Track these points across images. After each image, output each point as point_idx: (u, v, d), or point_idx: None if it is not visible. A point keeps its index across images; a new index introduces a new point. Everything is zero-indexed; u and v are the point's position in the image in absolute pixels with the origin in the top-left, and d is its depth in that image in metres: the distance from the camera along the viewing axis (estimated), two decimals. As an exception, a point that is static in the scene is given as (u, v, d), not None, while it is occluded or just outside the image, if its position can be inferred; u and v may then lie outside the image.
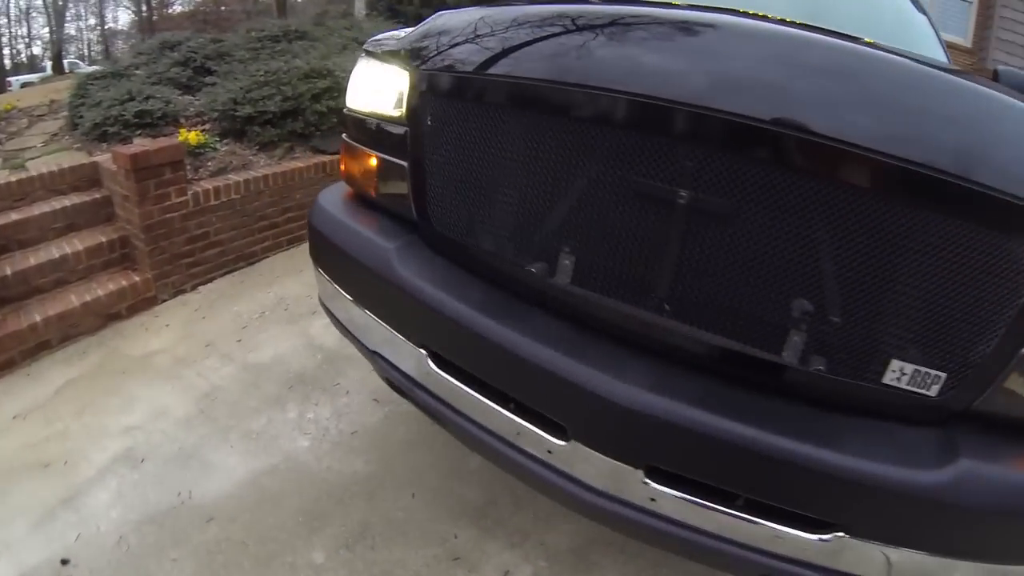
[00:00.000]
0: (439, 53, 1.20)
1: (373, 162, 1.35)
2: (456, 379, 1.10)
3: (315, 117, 3.27)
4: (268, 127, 3.11)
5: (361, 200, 1.44)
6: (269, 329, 2.45)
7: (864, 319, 0.86)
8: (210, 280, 2.82)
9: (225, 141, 3.14)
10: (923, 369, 0.85)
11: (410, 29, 1.40)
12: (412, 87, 1.23)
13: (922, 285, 0.82)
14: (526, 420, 1.01)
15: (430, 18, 1.34)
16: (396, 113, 1.28)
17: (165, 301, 2.65)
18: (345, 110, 1.46)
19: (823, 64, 0.87)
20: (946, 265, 0.80)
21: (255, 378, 2.13)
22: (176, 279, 2.68)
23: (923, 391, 0.86)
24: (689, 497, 0.91)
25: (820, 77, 0.85)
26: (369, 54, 1.41)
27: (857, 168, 0.81)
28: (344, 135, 1.48)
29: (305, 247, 3.21)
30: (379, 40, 1.45)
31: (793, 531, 0.87)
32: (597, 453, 0.94)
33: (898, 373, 0.86)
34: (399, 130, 1.27)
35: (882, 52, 0.90)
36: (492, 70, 1.09)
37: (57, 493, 1.61)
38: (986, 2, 5.21)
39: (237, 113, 3.09)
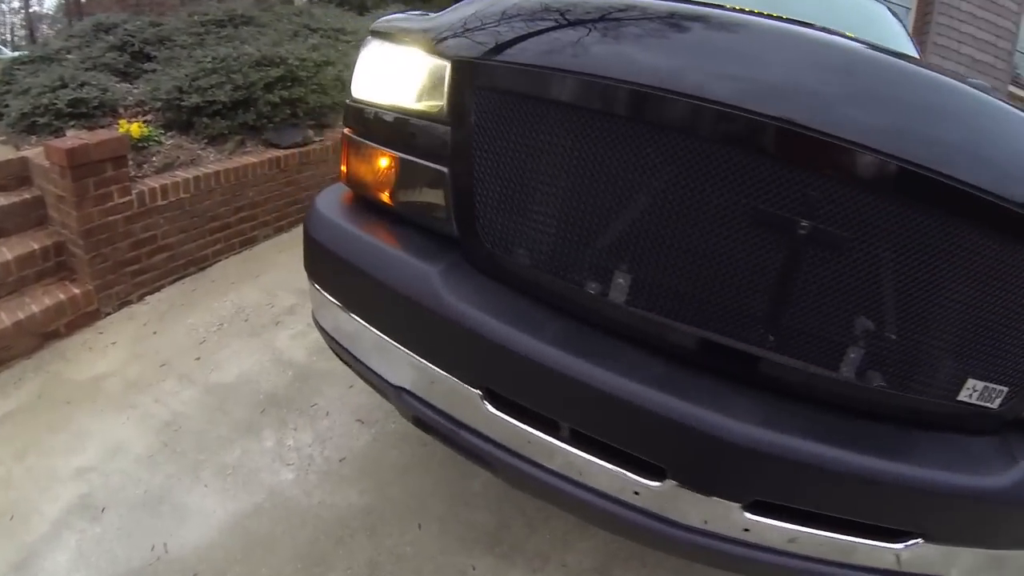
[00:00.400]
0: (507, 42, 1.03)
1: (393, 165, 1.19)
2: (521, 421, 0.98)
3: (268, 108, 3.02)
4: (217, 119, 2.84)
5: (372, 208, 1.28)
6: (230, 343, 2.24)
7: (955, 345, 0.90)
8: (158, 289, 2.57)
9: (170, 134, 2.86)
10: (992, 385, 0.91)
11: (434, 14, 1.24)
12: (456, 79, 1.07)
13: (999, 310, 0.87)
14: (610, 462, 0.94)
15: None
16: (429, 108, 1.13)
17: (109, 315, 2.38)
18: (350, 100, 1.29)
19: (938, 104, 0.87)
20: (1013, 289, 0.86)
21: (221, 402, 1.94)
22: (120, 289, 2.41)
23: (988, 404, 0.92)
24: (788, 525, 0.90)
25: (938, 119, 0.85)
26: (384, 37, 1.23)
27: (965, 205, 0.82)
28: (347, 130, 1.30)
29: (260, 248, 3.04)
30: (398, 22, 1.27)
31: (879, 543, 0.90)
32: (697, 493, 0.90)
33: (971, 390, 0.91)
34: (435, 129, 1.11)
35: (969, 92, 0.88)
36: (582, 68, 0.93)
37: (5, 556, 1.40)
38: (923, 8, 5.47)
39: (183, 103, 2.81)
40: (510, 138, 1.02)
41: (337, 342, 1.27)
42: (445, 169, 1.11)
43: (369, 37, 1.28)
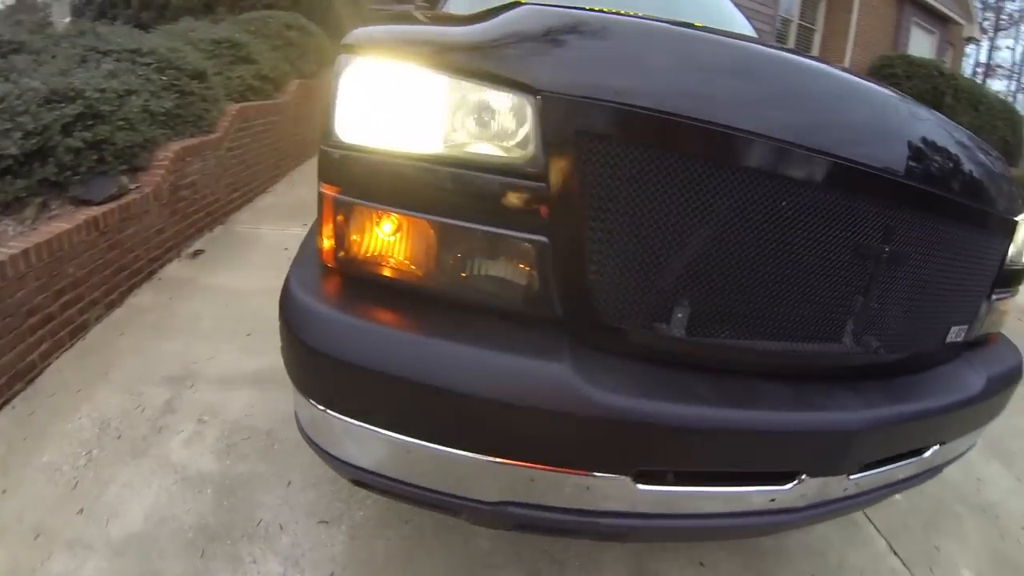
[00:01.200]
0: (617, 76, 0.88)
1: (439, 236, 0.93)
2: (668, 486, 0.97)
3: (70, 157, 2.37)
4: (9, 178, 2.13)
5: (378, 294, 0.99)
6: (113, 476, 1.73)
7: (951, 308, 1.24)
8: (-28, 425, 1.87)
9: (-66, 210, 2.07)
10: (961, 326, 1.27)
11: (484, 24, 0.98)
12: (551, 120, 0.86)
13: (966, 277, 1.23)
14: (750, 485, 1.02)
15: (560, 14, 0.97)
16: (506, 157, 0.89)
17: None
18: (341, 148, 0.95)
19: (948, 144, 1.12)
20: (975, 262, 1.23)
21: (143, 562, 1.48)
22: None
23: (958, 339, 1.29)
24: (873, 471, 1.12)
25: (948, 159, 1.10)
26: (397, 56, 0.92)
27: (972, 217, 1.16)
28: (331, 190, 0.97)
29: (96, 336, 2.44)
30: (404, 35, 0.99)
31: (931, 450, 1.22)
32: (823, 478, 1.04)
33: (953, 334, 1.27)
34: (512, 185, 0.88)
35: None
36: (720, 120, 0.88)
37: None
38: None
39: (-53, 164, 2.05)
40: (636, 194, 0.89)
41: (383, 476, 1.00)
42: (538, 237, 0.90)
43: (368, 57, 0.94)
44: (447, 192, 0.91)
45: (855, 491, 1.12)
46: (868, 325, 1.07)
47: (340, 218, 0.98)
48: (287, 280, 1.04)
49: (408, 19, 1.28)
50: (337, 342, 0.91)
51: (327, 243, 1.01)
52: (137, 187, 2.83)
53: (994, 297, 1.33)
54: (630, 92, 0.87)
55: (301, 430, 1.11)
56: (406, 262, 0.97)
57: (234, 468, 1.82)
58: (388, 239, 0.97)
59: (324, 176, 0.99)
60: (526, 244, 0.91)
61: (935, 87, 9.72)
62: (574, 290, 0.93)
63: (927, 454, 1.21)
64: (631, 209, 0.90)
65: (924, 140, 1.04)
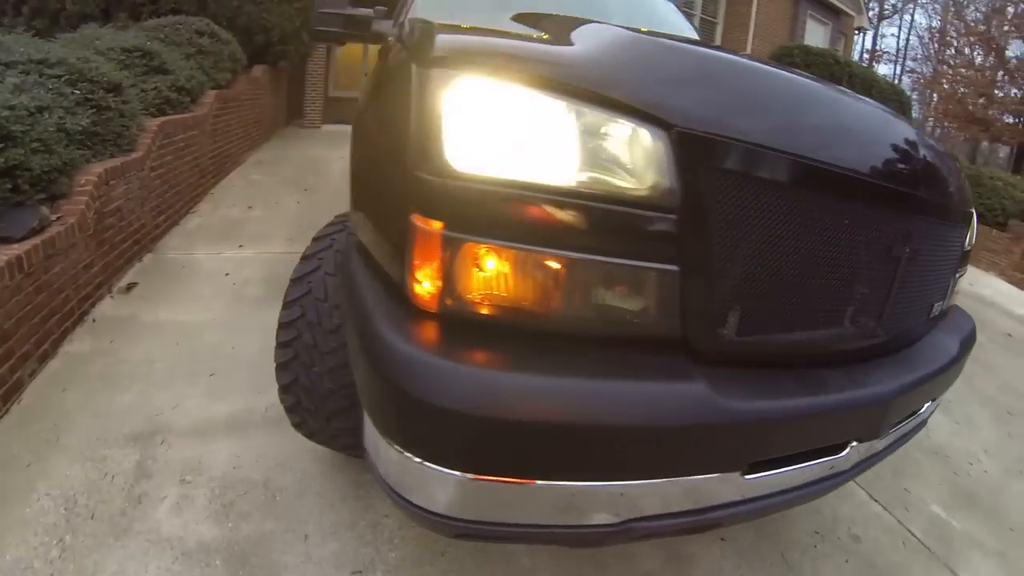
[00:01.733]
0: (740, 116, 0.97)
1: (566, 270, 0.89)
2: (766, 472, 1.05)
3: (-20, 188, 2.00)
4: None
5: (496, 339, 0.92)
6: (100, 566, 1.48)
7: (938, 289, 1.46)
8: None
9: None
10: (940, 303, 1.50)
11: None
12: (687, 156, 0.89)
13: (946, 263, 1.47)
14: (818, 458, 1.12)
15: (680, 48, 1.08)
16: (646, 193, 0.90)
17: None
18: (446, 177, 0.87)
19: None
20: (951, 250, 1.48)
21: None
22: None
23: (936, 313, 1.49)
24: (897, 428, 1.32)
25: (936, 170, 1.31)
26: (516, 76, 0.89)
27: (952, 215, 1.39)
28: (435, 225, 0.88)
29: (34, 394, 2.19)
30: (523, 55, 0.95)
31: (929, 406, 1.51)
32: (866, 442, 1.20)
33: (935, 309, 1.47)
34: (644, 217, 0.89)
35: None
36: (833, 161, 1.04)
37: None
38: None
39: None
40: (753, 221, 0.97)
41: (501, 524, 0.92)
42: (667, 266, 0.92)
43: (484, 78, 0.89)
44: (577, 225, 0.88)
45: (881, 448, 1.30)
46: (891, 311, 1.24)
47: (448, 257, 0.89)
48: (380, 336, 0.91)
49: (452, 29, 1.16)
50: (478, 400, 0.83)
51: (427, 286, 0.92)
52: (59, 218, 2.46)
53: (957, 275, 1.57)
54: (750, 132, 0.95)
55: (400, 497, 0.97)
56: (524, 300, 0.91)
57: (239, 531, 1.61)
58: (506, 277, 0.90)
59: (424, 209, 0.89)
60: (654, 273, 0.92)
61: (832, 74, 10.52)
62: (696, 311, 0.96)
63: (922, 410, 1.45)
64: (749, 235, 0.97)
65: (926, 158, 1.24)
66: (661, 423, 0.87)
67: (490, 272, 0.89)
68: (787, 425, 1.02)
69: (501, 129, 0.88)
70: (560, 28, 1.10)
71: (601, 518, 0.94)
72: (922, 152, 1.23)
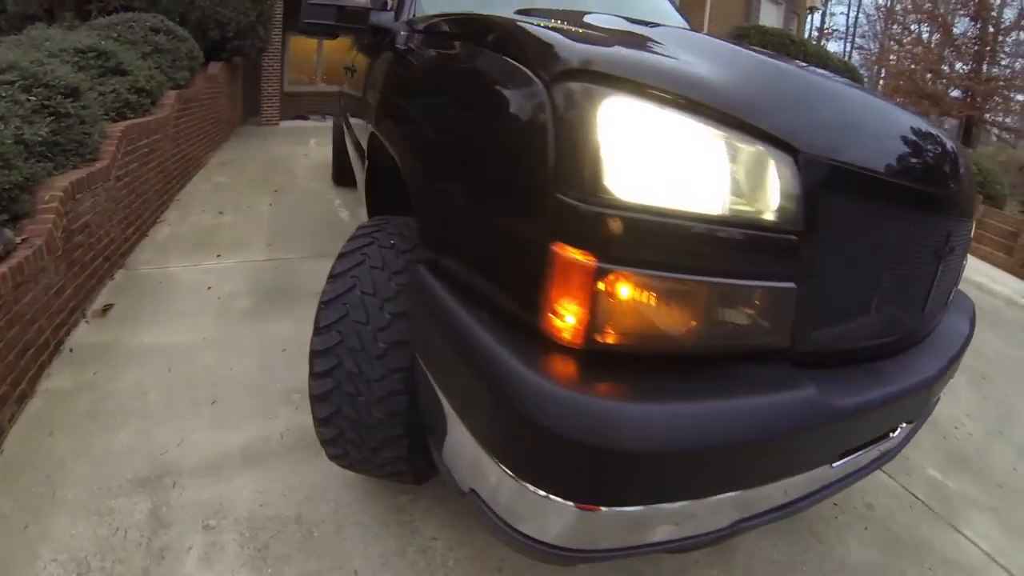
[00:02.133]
0: (844, 140, 1.04)
1: (704, 295, 0.90)
2: (847, 459, 1.12)
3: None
4: None
5: (627, 367, 0.90)
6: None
7: (955, 276, 1.55)
8: None
9: None
10: (954, 287, 1.59)
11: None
12: (812, 180, 0.93)
13: (965, 250, 1.52)
14: (877, 443, 1.20)
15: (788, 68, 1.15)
16: (769, 214, 0.92)
17: None
18: (599, 206, 0.84)
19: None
20: (967, 238, 1.49)
21: None
22: None
23: (951, 298, 1.59)
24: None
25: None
26: (654, 99, 0.88)
27: (970, 209, 1.44)
28: (586, 256, 0.84)
29: (16, 441, 2.07)
30: (677, 78, 0.92)
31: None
32: (909, 424, 1.31)
33: (952, 295, 1.58)
34: (769, 239, 0.92)
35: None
36: (913, 181, 1.15)
37: None
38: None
39: None
40: (856, 238, 1.04)
41: (614, 549, 0.95)
42: (787, 284, 0.94)
43: (640, 100, 0.88)
44: (721, 250, 0.90)
45: (916, 426, 1.39)
46: (931, 304, 1.34)
47: (600, 288, 0.86)
48: (517, 374, 0.86)
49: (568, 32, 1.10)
50: (637, 435, 0.81)
51: (570, 320, 0.88)
52: (25, 240, 2.21)
53: (964, 262, 1.64)
54: (853, 155, 1.02)
55: (511, 529, 0.97)
56: (665, 327, 0.90)
57: (299, 559, 1.46)
58: (654, 306, 0.89)
59: (573, 239, 0.85)
60: (777, 290, 0.95)
61: (788, 53, 10.69)
62: (805, 324, 1.01)
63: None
64: (850, 248, 1.04)
65: (960, 163, 1.34)
66: (786, 431, 0.92)
67: (640, 302, 0.87)
68: (872, 415, 1.10)
69: (661, 155, 0.87)
70: (668, 39, 1.12)
71: (714, 524, 1.00)
72: (960, 159, 1.34)
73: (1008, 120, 14.81)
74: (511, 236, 0.96)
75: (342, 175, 5.35)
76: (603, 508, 0.85)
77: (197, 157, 5.40)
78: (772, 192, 0.91)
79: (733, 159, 0.90)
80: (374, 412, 1.35)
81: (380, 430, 1.37)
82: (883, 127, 1.17)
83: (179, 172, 4.70)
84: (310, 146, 7.62)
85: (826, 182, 0.96)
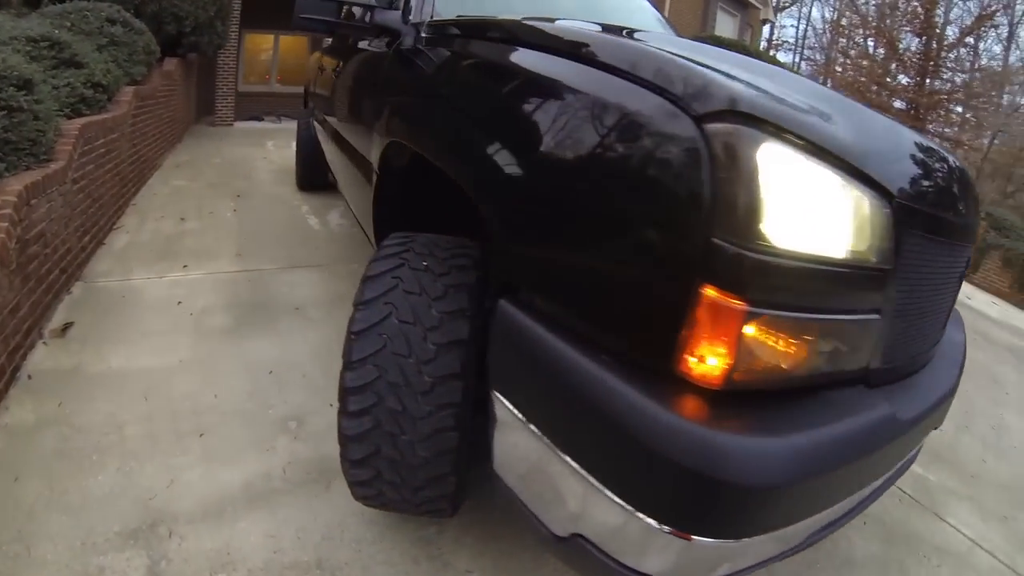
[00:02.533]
0: (918, 183, 1.13)
1: (825, 332, 0.96)
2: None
3: None
4: None
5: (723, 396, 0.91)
6: None
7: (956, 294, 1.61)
8: None
9: None
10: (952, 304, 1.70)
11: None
12: (899, 222, 1.00)
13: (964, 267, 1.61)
14: None
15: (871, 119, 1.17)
16: (868, 253, 0.98)
17: None
18: (768, 255, 0.86)
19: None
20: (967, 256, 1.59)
21: None
22: None
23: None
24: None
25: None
26: (800, 148, 0.90)
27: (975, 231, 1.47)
28: (749, 305, 0.86)
29: None
30: (790, 117, 0.92)
31: None
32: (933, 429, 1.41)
33: (952, 312, 1.66)
34: (868, 275, 0.99)
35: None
36: (947, 209, 1.21)
37: None
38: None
39: None
40: (920, 271, 1.13)
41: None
42: (873, 316, 1.02)
43: (775, 142, 0.88)
44: (845, 291, 0.97)
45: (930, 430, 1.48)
46: (947, 322, 1.48)
47: (747, 332, 0.87)
48: (659, 419, 0.85)
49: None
50: (779, 472, 0.84)
51: (713, 362, 0.88)
52: (-22, 253, 1.94)
53: None
54: (928, 200, 1.12)
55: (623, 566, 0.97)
56: (792, 365, 0.95)
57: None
58: (792, 346, 0.93)
59: (725, 282, 0.85)
60: (869, 322, 1.02)
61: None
62: (878, 348, 1.07)
63: None
64: (919, 281, 1.14)
65: (974, 188, 1.43)
66: (876, 448, 1.01)
67: (772, 342, 0.91)
68: (920, 424, 1.20)
69: (803, 201, 0.90)
70: (770, 75, 1.12)
71: (795, 541, 1.07)
72: (971, 183, 1.43)
73: (948, 131, 15.75)
74: (643, 276, 0.93)
75: (308, 181, 5.10)
76: (738, 540, 0.88)
77: (152, 158, 5.03)
78: (877, 234, 0.98)
79: (855, 205, 0.95)
80: (419, 451, 1.25)
81: (425, 470, 1.27)
82: (934, 167, 1.24)
83: (135, 175, 4.35)
84: (268, 148, 7.27)
85: (907, 222, 1.03)
